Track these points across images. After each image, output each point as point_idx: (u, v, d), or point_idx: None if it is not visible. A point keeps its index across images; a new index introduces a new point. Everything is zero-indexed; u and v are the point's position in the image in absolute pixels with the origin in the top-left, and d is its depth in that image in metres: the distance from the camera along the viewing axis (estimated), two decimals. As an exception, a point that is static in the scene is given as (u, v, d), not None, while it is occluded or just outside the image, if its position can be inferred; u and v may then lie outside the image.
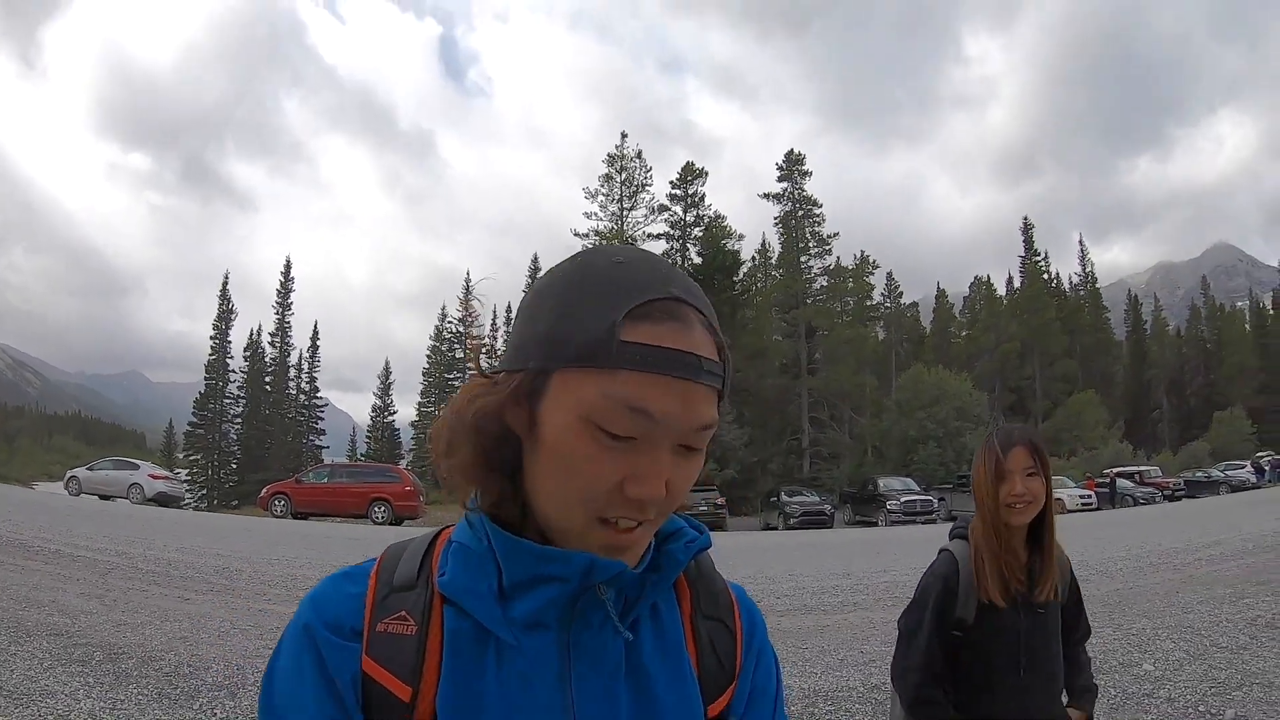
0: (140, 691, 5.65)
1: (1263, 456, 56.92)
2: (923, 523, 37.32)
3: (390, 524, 28.75)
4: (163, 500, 33.75)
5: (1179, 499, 44.55)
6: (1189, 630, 7.19)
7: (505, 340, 1.01)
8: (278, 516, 29.43)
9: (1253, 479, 49.88)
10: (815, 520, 39.64)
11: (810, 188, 75.55)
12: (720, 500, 38.19)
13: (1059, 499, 41.17)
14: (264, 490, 32.36)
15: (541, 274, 1.01)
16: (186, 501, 39.22)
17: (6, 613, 7.39)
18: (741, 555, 18.27)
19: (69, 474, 35.93)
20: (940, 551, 2.71)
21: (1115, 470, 49.72)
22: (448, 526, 1.07)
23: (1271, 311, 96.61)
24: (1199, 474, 54.09)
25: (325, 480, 31.82)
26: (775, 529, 39.82)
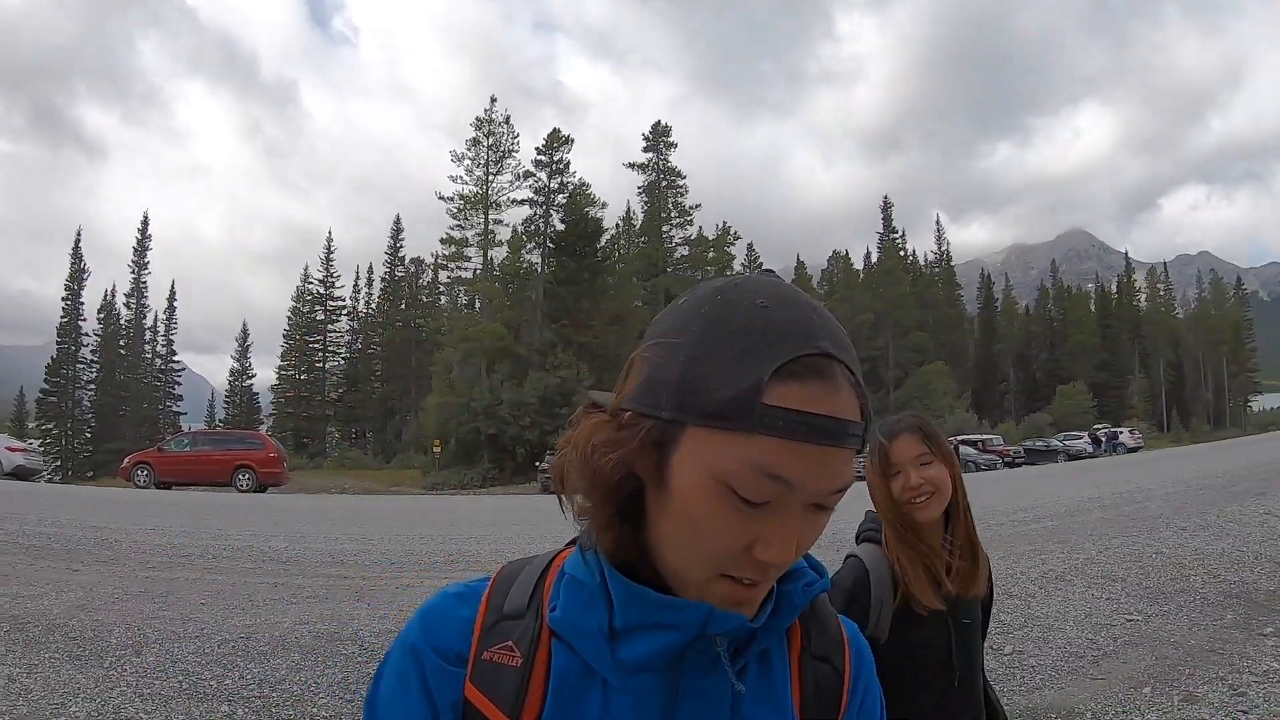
0: (51, 656, 6.08)
1: (1100, 428, 61.90)
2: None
3: (255, 491, 28.78)
4: (21, 474, 32.32)
5: (1018, 466, 47.09)
6: None
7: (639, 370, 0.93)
8: (140, 486, 29.06)
9: (1089, 449, 53.97)
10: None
11: (675, 159, 77.33)
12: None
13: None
14: (126, 460, 31.89)
15: (676, 301, 0.96)
16: (43, 474, 38.13)
17: None
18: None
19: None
20: (846, 558, 2.41)
21: (960, 438, 51.98)
22: (565, 549, 1.06)
23: (1115, 295, 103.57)
24: (1039, 443, 57.86)
25: (188, 448, 31.52)
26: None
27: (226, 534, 13.17)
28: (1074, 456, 50.87)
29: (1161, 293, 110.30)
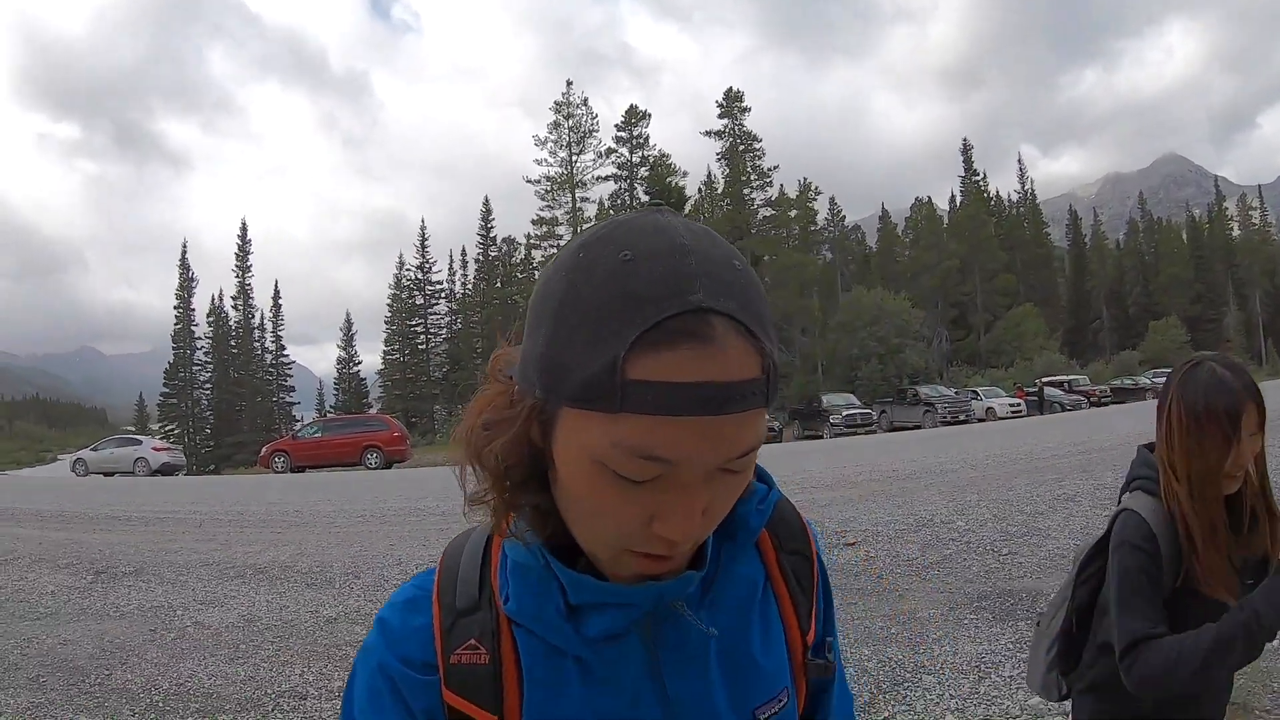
0: (292, 585, 8.02)
1: None
2: (863, 434, 40.23)
3: (382, 468, 31.11)
4: (166, 470, 36.04)
5: (1105, 405, 46.64)
6: (1004, 503, 9.41)
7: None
8: (279, 472, 31.78)
9: None
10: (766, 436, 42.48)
11: (750, 122, 77.89)
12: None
13: (990, 408, 44.26)
14: (264, 449, 35.09)
15: (557, 253, 0.85)
16: (182, 470, 41.50)
17: (271, 561, 9.65)
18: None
19: (75, 457, 38.49)
20: (1121, 513, 2.07)
21: (1045, 379, 52.44)
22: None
23: (1207, 224, 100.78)
24: (1127, 381, 56.82)
25: (319, 434, 34.28)
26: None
27: (381, 500, 15.48)
28: None
29: (1255, 219, 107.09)
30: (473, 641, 0.92)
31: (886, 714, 4.80)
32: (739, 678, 0.97)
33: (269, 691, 5.36)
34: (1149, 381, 53.52)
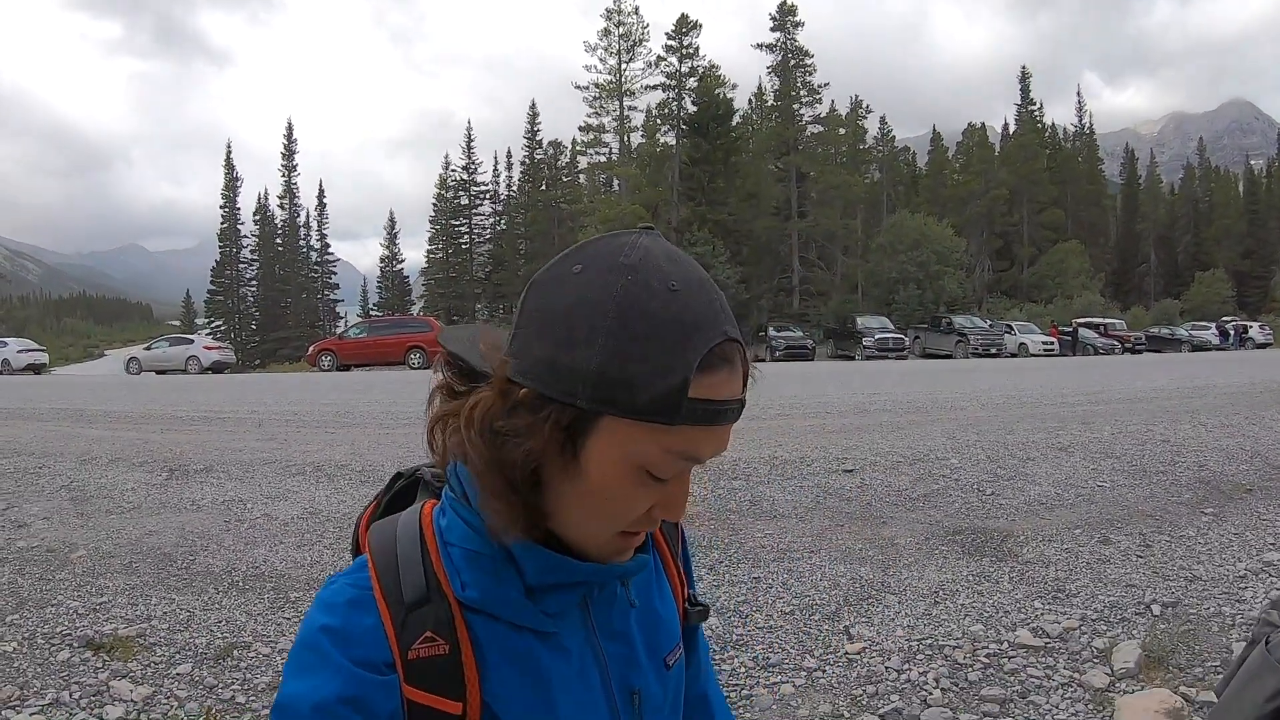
0: (348, 481, 8.81)
1: (1228, 321, 58.82)
2: (894, 358, 40.87)
3: (425, 368, 31.88)
4: (217, 368, 37.82)
5: (1139, 352, 46.83)
6: (999, 444, 9.89)
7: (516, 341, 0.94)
8: (325, 370, 33.19)
9: (1215, 341, 52.17)
10: (798, 354, 43.17)
11: (802, 37, 77.30)
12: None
13: (1024, 344, 44.51)
14: (311, 348, 36.59)
15: (567, 270, 0.94)
16: (231, 366, 42.99)
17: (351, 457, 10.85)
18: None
19: (129, 356, 40.34)
20: None
21: (1081, 320, 52.30)
22: (422, 506, 1.07)
23: (1265, 179, 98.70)
24: (1164, 330, 56.10)
25: (364, 335, 35.77)
26: (763, 360, 42.99)
27: (424, 400, 16.33)
28: (1198, 347, 50.08)
29: None
30: (429, 634, 0.96)
31: (847, 622, 5.51)
32: (650, 631, 1.14)
33: (331, 571, 6.21)
34: (1186, 334, 53.46)
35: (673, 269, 0.91)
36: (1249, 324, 59.28)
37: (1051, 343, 45.54)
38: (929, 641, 5.24)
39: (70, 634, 5.25)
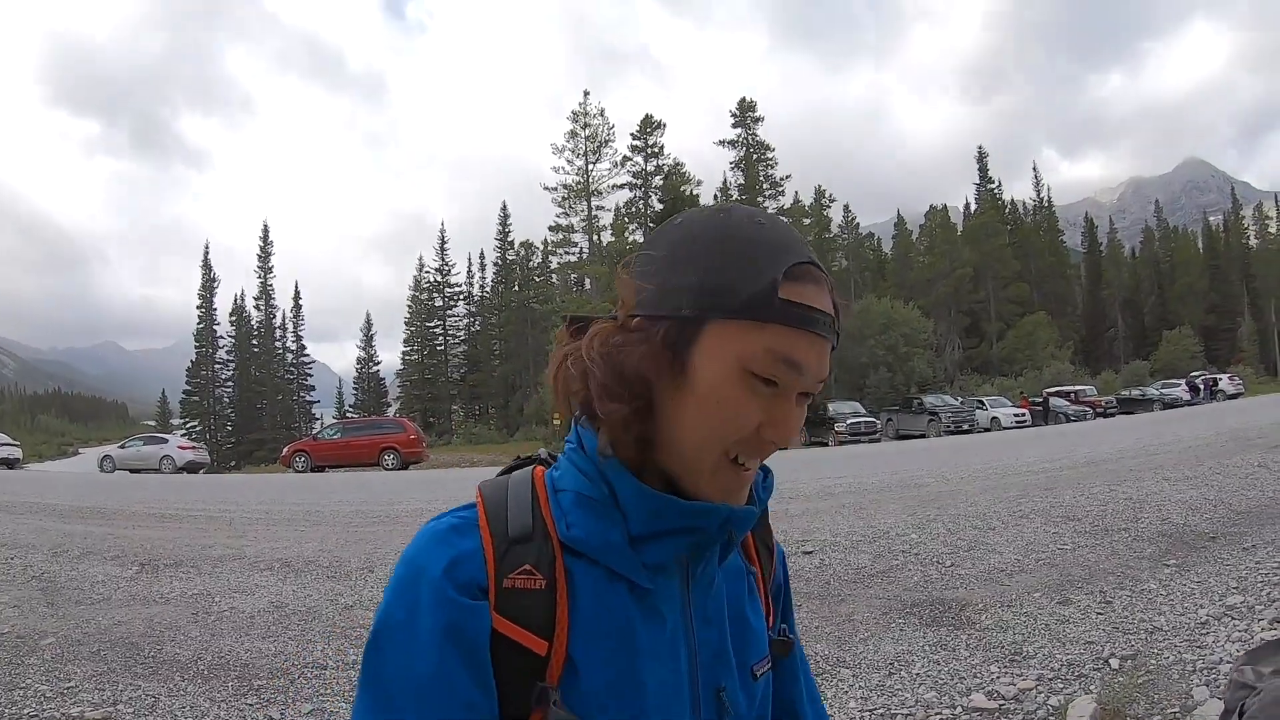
0: (314, 577, 8.88)
1: (1198, 375, 60.04)
2: (867, 442, 40.91)
3: (399, 469, 32.27)
4: (191, 468, 37.51)
5: (1111, 416, 47.24)
6: (960, 517, 10.07)
7: (637, 284, 1.02)
8: (300, 471, 32.99)
9: (1186, 397, 52.99)
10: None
11: (764, 128, 79.94)
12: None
13: (995, 418, 44.90)
14: (285, 449, 36.70)
15: (670, 224, 1.05)
16: (205, 467, 42.83)
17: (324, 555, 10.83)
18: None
19: (103, 454, 39.92)
20: None
21: (1051, 389, 53.09)
22: (535, 464, 1.12)
23: (1223, 234, 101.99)
24: (1135, 391, 57.29)
25: (338, 436, 35.64)
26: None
27: (396, 501, 16.68)
28: (1170, 405, 50.66)
29: (1272, 229, 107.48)
30: (528, 567, 0.98)
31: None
32: (739, 633, 1.12)
33: (295, 663, 6.22)
34: (1157, 393, 54.31)
35: (761, 214, 1.03)
36: (1218, 376, 60.46)
37: (1023, 414, 45.81)
38: (881, 712, 5.27)
39: (38, 715, 5.31)
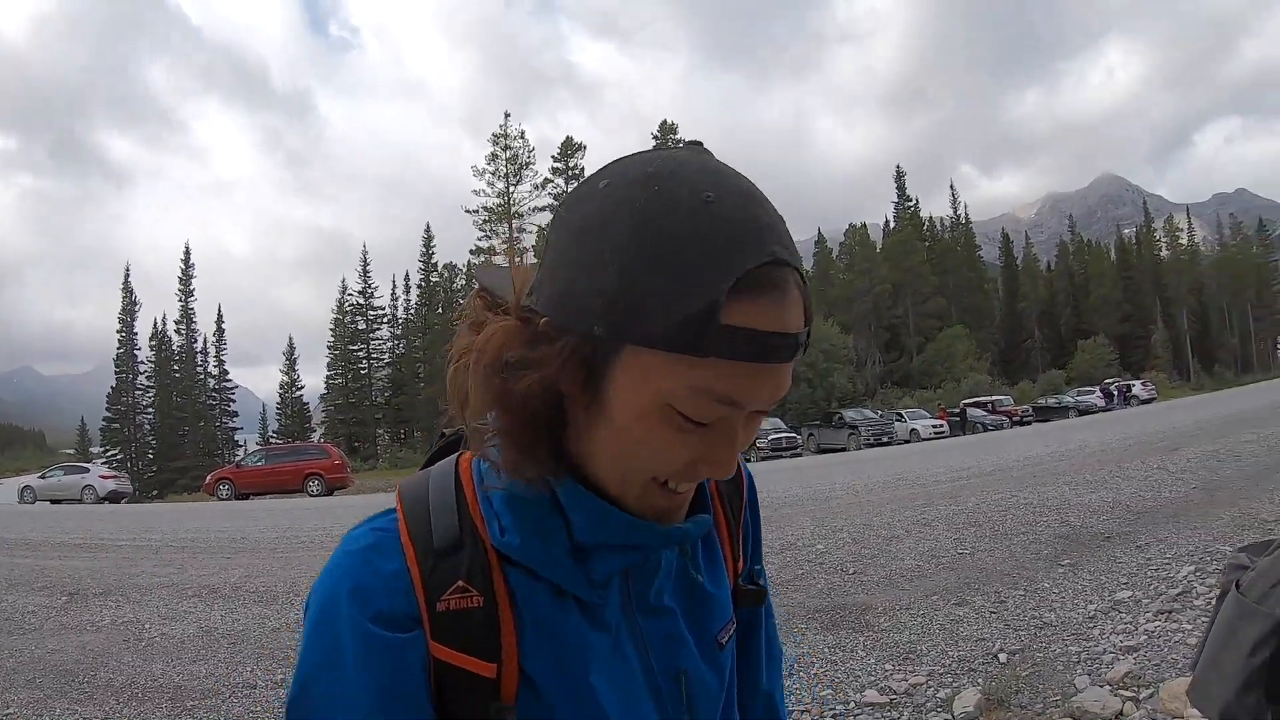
0: (241, 603, 9.05)
1: (1111, 382, 62.03)
2: (789, 457, 41.26)
3: (324, 495, 31.95)
4: (113, 498, 36.76)
5: (1028, 424, 48.15)
6: (866, 527, 10.39)
7: (540, 269, 0.84)
8: (223, 499, 32.58)
9: (1101, 403, 54.40)
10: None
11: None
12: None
13: (914, 429, 45.71)
14: (209, 477, 36.02)
15: (596, 182, 0.81)
16: (128, 496, 42.09)
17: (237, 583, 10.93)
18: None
19: (23, 484, 38.75)
20: None
21: (969, 400, 54.09)
22: (460, 454, 0.96)
23: (1135, 246, 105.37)
24: (1051, 400, 58.53)
25: (262, 463, 35.22)
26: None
27: (320, 527, 16.66)
28: (1085, 411, 51.70)
29: (1183, 240, 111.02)
30: (461, 584, 0.85)
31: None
32: (693, 607, 0.99)
33: (225, 685, 6.43)
34: (1073, 400, 55.68)
35: (709, 179, 0.78)
36: (1131, 383, 62.38)
37: (941, 425, 46.52)
38: (779, 710, 5.62)
39: (-26, 740, 5.43)
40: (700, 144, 0.84)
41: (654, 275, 0.74)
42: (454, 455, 0.97)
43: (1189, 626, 5.98)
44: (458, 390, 0.88)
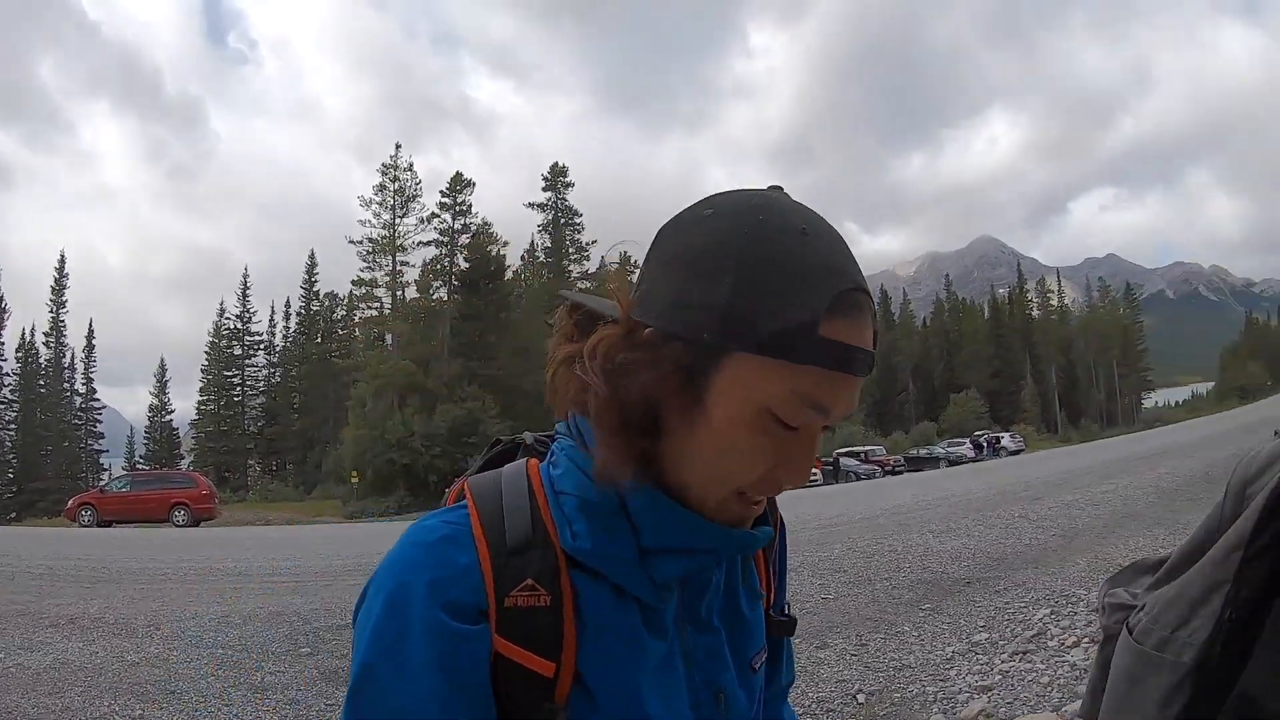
0: (101, 634, 8.82)
1: (981, 434, 64.03)
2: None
3: (189, 526, 31.16)
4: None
5: (899, 474, 49.11)
6: None
7: (641, 285, 0.91)
8: (85, 525, 31.47)
9: (971, 454, 56.06)
10: None
11: (573, 197, 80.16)
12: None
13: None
14: (70, 502, 34.66)
15: (699, 212, 0.90)
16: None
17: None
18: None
19: None
20: None
21: (842, 450, 54.46)
22: (529, 458, 1.01)
23: (1008, 305, 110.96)
24: (923, 450, 60.03)
25: (127, 489, 34.02)
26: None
27: (184, 558, 16.44)
28: (955, 462, 53.11)
29: (1053, 301, 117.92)
30: (529, 582, 0.89)
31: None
32: (735, 629, 1.04)
33: (81, 718, 6.28)
34: (943, 451, 57.28)
35: (803, 215, 0.88)
36: (1001, 435, 64.76)
37: (815, 474, 47.05)
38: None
39: None
40: (780, 187, 0.93)
41: (762, 290, 0.82)
42: (523, 460, 1.01)
43: (1042, 666, 6.23)
44: (561, 389, 0.92)
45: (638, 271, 0.94)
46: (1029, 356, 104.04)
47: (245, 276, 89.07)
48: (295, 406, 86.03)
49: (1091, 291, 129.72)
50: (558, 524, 0.92)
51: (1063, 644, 7.06)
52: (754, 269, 0.83)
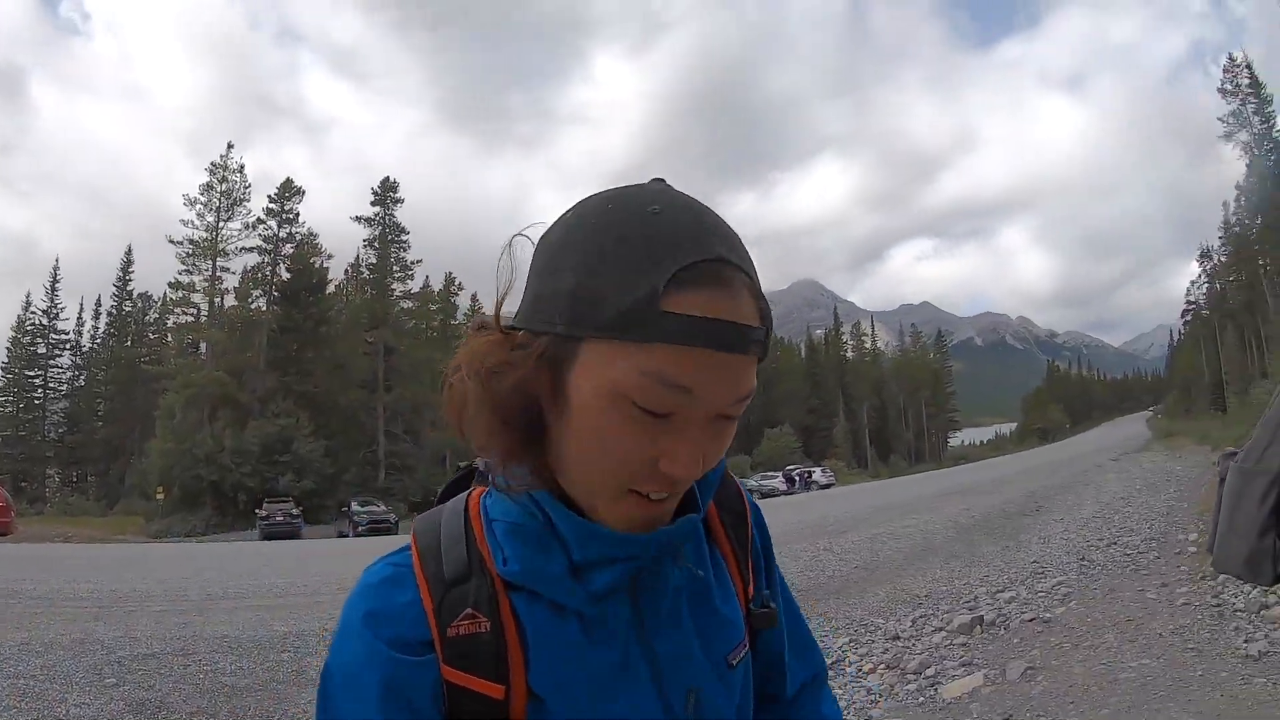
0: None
1: (794, 468, 65.29)
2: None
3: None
4: None
5: None
6: None
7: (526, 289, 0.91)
8: None
9: (783, 487, 57.02)
10: (381, 528, 41.51)
11: (401, 214, 78.52)
12: (296, 510, 42.68)
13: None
14: None
15: (563, 214, 0.91)
16: None
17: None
18: (317, 561, 20.95)
19: None
20: None
21: None
22: (471, 492, 1.03)
23: (823, 346, 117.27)
24: None
25: (-95, 499, 30.94)
26: (346, 536, 41.84)
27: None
28: (767, 495, 53.01)
29: (867, 344, 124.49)
30: (469, 611, 0.91)
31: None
32: (707, 626, 1.02)
33: None
34: (756, 484, 57.38)
35: (661, 198, 0.86)
36: (812, 469, 66.52)
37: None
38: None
39: None
40: (664, 180, 0.92)
41: (604, 271, 0.81)
42: (465, 493, 1.04)
43: (840, 691, 6.41)
44: (452, 402, 0.93)
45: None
46: (843, 395, 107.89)
47: (55, 268, 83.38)
48: (100, 413, 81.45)
49: (904, 336, 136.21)
50: (492, 550, 0.95)
51: (860, 669, 7.27)
52: (596, 253, 0.83)
